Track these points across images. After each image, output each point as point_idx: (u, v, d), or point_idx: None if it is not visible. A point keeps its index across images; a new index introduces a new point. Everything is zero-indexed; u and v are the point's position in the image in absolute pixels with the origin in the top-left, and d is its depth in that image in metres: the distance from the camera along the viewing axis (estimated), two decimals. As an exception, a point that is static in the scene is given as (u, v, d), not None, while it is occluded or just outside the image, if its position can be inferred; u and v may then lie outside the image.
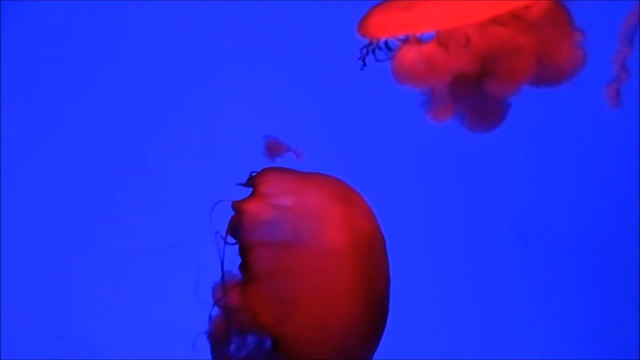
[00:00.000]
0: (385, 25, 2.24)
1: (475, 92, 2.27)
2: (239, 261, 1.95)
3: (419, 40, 2.22)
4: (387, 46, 2.26)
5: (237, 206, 1.96)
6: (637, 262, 3.51)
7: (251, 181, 2.02)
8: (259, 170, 2.05)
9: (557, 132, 3.50)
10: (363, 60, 2.25)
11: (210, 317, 2.01)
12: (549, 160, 3.52)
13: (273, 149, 2.10)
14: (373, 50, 2.26)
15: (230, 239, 1.96)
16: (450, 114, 2.32)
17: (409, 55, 2.24)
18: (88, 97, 3.36)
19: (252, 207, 1.95)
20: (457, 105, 2.29)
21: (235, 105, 3.23)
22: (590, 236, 3.55)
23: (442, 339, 3.52)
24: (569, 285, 3.56)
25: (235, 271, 1.98)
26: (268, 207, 1.96)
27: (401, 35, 2.23)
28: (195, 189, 3.23)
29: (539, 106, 3.41)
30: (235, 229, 1.94)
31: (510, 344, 3.54)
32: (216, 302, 2.00)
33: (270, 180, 2.01)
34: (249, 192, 2.01)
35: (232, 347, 1.97)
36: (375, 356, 2.09)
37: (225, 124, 3.29)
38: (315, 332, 1.94)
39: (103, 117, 3.36)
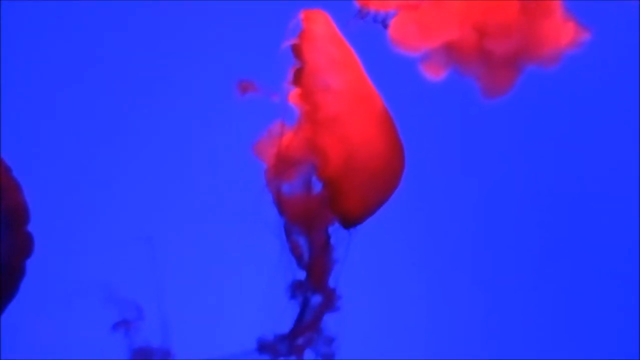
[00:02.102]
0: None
1: (481, 58, 2.38)
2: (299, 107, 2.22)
3: (412, 6, 2.31)
4: (384, 13, 2.34)
5: (296, 52, 2.22)
6: (637, 262, 3.49)
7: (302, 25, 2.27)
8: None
9: (556, 128, 3.51)
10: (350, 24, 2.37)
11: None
12: (549, 159, 3.53)
13: (245, 88, 2.20)
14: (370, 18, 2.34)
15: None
16: (444, 70, 2.38)
17: (403, 21, 2.32)
18: (87, 96, 3.39)
19: (310, 57, 2.21)
20: (465, 70, 2.40)
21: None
22: (590, 236, 3.53)
23: (440, 339, 3.51)
24: (568, 285, 3.54)
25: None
26: (323, 57, 2.23)
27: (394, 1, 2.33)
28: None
29: (539, 105, 3.44)
30: (298, 76, 2.22)
31: (509, 344, 3.52)
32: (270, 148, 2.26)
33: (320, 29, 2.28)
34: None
35: (287, 185, 2.23)
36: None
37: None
38: (363, 166, 2.21)
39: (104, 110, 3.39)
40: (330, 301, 2.18)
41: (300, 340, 2.14)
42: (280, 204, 2.23)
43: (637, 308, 3.51)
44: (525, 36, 2.38)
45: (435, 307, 3.47)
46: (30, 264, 2.25)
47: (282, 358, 2.14)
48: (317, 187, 2.24)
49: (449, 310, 3.48)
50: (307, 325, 2.16)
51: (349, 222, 2.24)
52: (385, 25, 2.38)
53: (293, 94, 2.23)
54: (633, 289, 3.52)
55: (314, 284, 2.18)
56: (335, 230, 2.23)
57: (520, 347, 3.53)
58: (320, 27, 2.27)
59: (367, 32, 2.39)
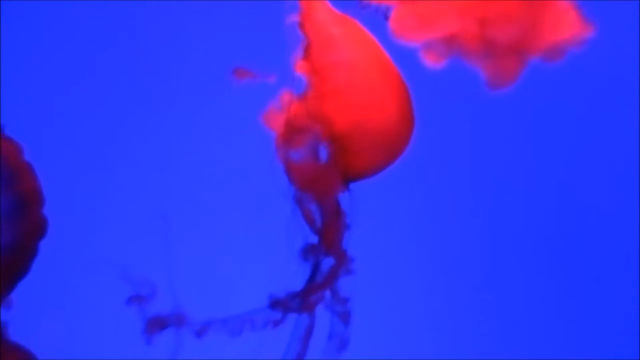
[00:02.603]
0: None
1: (483, 48, 2.41)
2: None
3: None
4: (385, 5, 2.41)
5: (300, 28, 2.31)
6: (637, 262, 3.50)
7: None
8: None
9: (557, 125, 3.54)
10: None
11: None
12: (550, 158, 3.55)
13: (242, 74, 2.27)
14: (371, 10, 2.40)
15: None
16: (445, 59, 2.44)
17: (404, 13, 2.38)
18: (98, 76, 3.40)
19: (314, 33, 2.31)
20: (468, 60, 2.45)
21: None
22: (590, 235, 3.55)
23: (438, 337, 3.52)
24: (568, 285, 3.55)
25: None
26: (327, 32, 2.32)
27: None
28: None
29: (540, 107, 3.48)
30: (304, 50, 2.31)
31: (509, 344, 3.53)
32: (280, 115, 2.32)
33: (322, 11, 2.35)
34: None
35: (296, 153, 2.29)
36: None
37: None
38: (370, 131, 2.30)
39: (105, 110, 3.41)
40: (342, 264, 2.23)
41: (312, 298, 2.19)
42: (290, 171, 2.29)
43: (637, 308, 3.51)
44: (527, 26, 2.42)
45: (441, 275, 3.49)
46: (45, 242, 2.28)
47: (293, 314, 2.19)
48: (326, 155, 2.30)
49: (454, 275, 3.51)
50: (319, 285, 2.21)
51: (351, 180, 2.32)
52: (386, 17, 2.43)
53: (300, 65, 2.30)
54: (633, 289, 3.53)
55: (327, 248, 2.24)
56: (347, 197, 2.30)
57: (520, 346, 3.54)
58: (321, 6, 2.34)
59: (368, 23, 2.44)
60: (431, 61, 2.44)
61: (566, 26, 2.42)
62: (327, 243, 2.23)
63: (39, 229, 2.32)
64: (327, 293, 2.22)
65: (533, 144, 3.54)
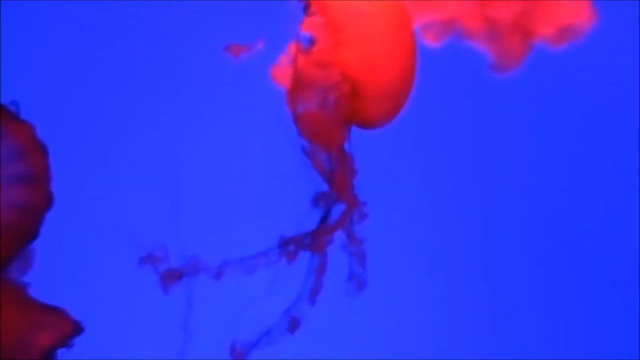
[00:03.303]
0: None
1: (487, 29, 2.45)
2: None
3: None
4: None
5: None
6: (637, 262, 3.52)
7: None
8: None
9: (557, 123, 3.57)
10: None
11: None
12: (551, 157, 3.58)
13: (236, 50, 2.31)
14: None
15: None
16: (445, 39, 2.49)
17: None
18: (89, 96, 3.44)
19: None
20: (473, 42, 2.49)
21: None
22: (590, 235, 3.57)
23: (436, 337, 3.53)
24: (568, 285, 3.57)
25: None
26: None
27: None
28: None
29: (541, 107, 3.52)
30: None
31: (509, 343, 3.54)
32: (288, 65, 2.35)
33: None
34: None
35: (304, 104, 2.33)
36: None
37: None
38: (380, 82, 2.35)
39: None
40: (353, 208, 2.27)
41: (324, 239, 2.22)
42: (299, 122, 2.32)
43: (638, 308, 3.53)
44: (529, 8, 2.47)
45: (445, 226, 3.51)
46: (59, 210, 2.30)
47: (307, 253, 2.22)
48: (334, 105, 2.34)
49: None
50: (331, 227, 2.24)
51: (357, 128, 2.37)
52: None
53: (309, 22, 2.34)
54: (633, 289, 3.55)
55: (337, 194, 2.27)
56: (353, 145, 2.33)
57: (520, 346, 3.55)
58: None
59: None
60: (431, 42, 2.50)
61: (571, 11, 2.47)
62: (337, 189, 2.27)
63: (44, 203, 2.35)
64: (342, 236, 2.26)
65: (535, 129, 3.57)
